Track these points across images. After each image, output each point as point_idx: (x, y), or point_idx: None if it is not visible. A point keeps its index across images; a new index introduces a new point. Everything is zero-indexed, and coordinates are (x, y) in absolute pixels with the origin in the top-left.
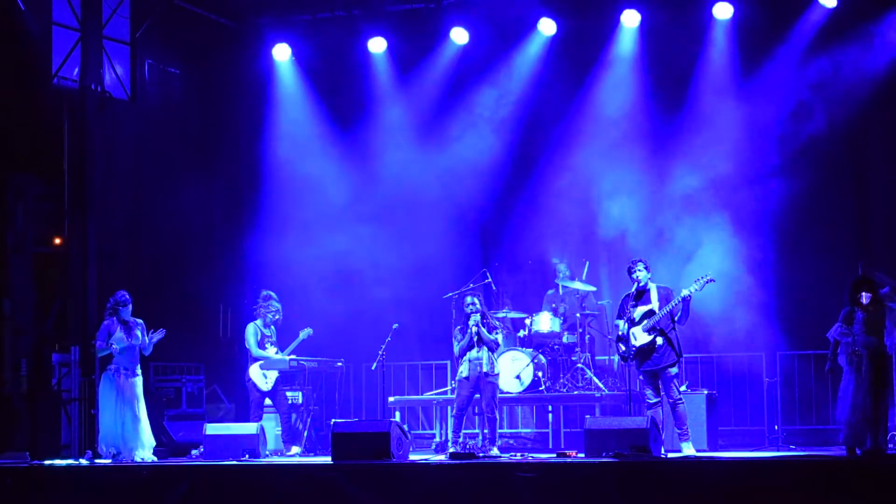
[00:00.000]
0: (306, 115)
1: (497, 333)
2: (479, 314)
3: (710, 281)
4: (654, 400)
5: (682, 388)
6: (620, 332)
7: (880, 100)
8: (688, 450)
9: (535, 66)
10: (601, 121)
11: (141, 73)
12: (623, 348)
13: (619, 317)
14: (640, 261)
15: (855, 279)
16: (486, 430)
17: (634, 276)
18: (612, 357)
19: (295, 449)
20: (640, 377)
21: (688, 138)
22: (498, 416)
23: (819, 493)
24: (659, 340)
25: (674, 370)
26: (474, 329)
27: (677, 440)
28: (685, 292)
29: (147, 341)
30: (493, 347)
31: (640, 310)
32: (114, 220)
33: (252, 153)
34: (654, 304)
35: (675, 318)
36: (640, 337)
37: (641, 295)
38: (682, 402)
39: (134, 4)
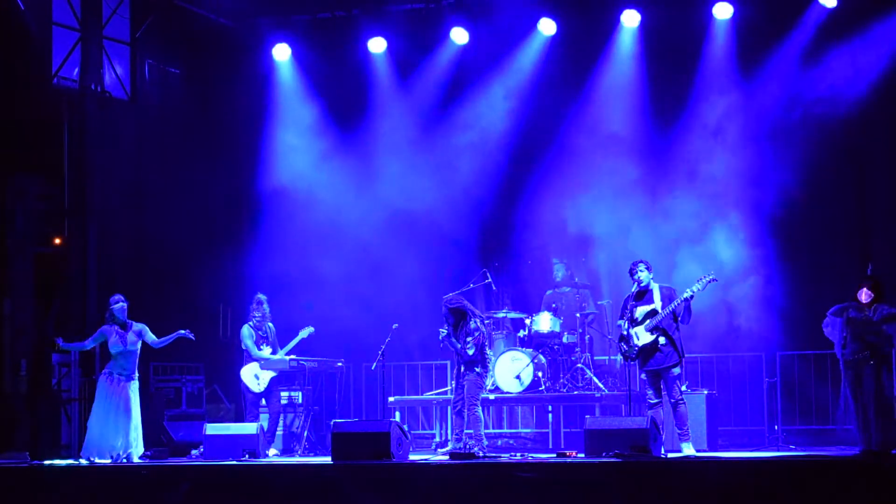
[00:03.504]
0: (306, 116)
1: (470, 346)
2: (445, 328)
3: (713, 280)
4: (655, 400)
5: (683, 388)
6: (623, 332)
7: (881, 100)
8: (688, 450)
9: (535, 67)
10: (601, 120)
11: (141, 73)
12: (626, 347)
13: (622, 317)
14: (642, 262)
15: (862, 277)
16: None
17: (636, 276)
18: (612, 357)
19: (272, 451)
20: (643, 376)
21: (688, 138)
22: (477, 415)
23: (818, 493)
24: (661, 340)
25: (676, 370)
26: (442, 345)
27: (677, 440)
28: (688, 292)
29: (156, 339)
30: (464, 358)
31: (643, 309)
32: (114, 220)
33: (252, 153)
34: (657, 304)
35: (678, 318)
36: (642, 336)
37: (643, 295)
38: (684, 403)
39: (134, 4)
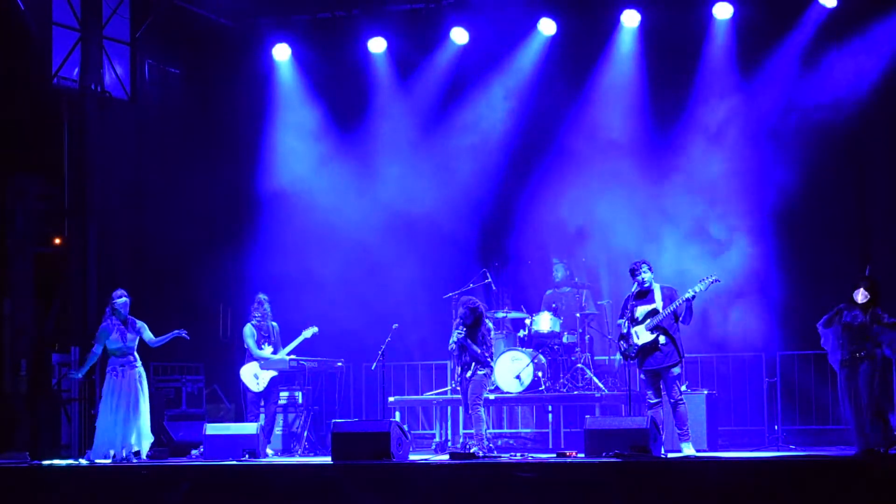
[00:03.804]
0: (306, 116)
1: (487, 347)
2: (461, 329)
3: (716, 282)
4: (655, 400)
5: (682, 388)
6: (622, 331)
7: (881, 100)
8: (688, 450)
9: (535, 67)
10: (601, 120)
11: (141, 73)
12: (625, 346)
13: (622, 316)
14: (644, 262)
15: (860, 278)
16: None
17: (639, 277)
18: (612, 357)
19: (269, 451)
20: (642, 376)
21: (687, 139)
22: (479, 415)
23: (819, 493)
24: (662, 339)
25: (676, 370)
26: (451, 347)
27: (677, 440)
28: (689, 292)
29: (153, 338)
30: (479, 360)
31: (643, 309)
32: (114, 220)
33: (252, 153)
34: (658, 304)
35: (679, 319)
36: (642, 335)
37: (645, 294)
38: (684, 403)
39: (134, 4)
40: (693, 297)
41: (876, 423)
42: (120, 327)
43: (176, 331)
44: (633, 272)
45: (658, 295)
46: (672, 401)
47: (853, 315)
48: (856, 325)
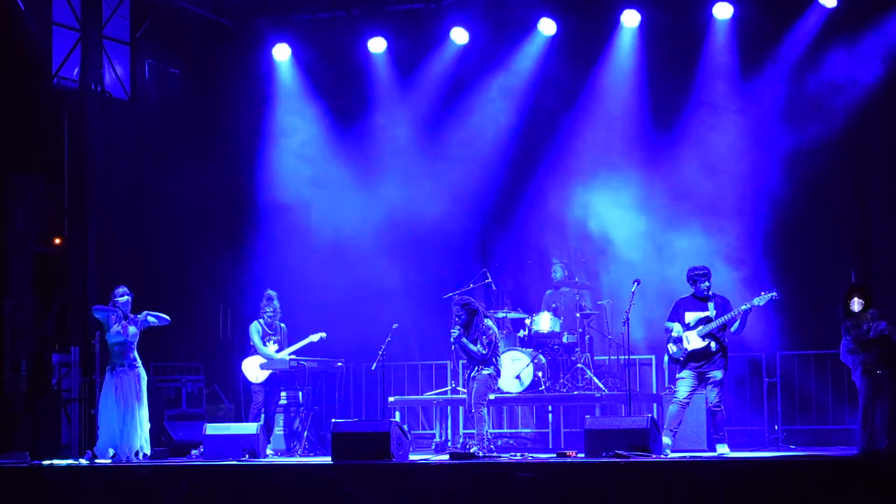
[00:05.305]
0: (306, 115)
1: (479, 345)
2: (457, 328)
3: (776, 297)
4: (686, 400)
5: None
6: (675, 334)
7: (880, 101)
8: (722, 449)
9: (535, 67)
10: (601, 121)
11: (141, 73)
12: (675, 349)
13: (672, 319)
14: (707, 269)
15: (848, 288)
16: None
17: (703, 284)
18: (612, 357)
19: (270, 451)
20: (682, 375)
21: (687, 139)
22: (481, 415)
23: (819, 493)
24: (713, 346)
25: (719, 375)
26: (453, 347)
27: (713, 442)
28: (746, 305)
29: (154, 321)
30: (477, 359)
31: (695, 315)
32: (114, 220)
33: (252, 153)
34: (712, 312)
35: (732, 329)
36: (693, 341)
37: (700, 301)
38: (721, 409)
39: (134, 4)
40: (750, 309)
41: (892, 432)
42: (121, 321)
43: (151, 313)
44: (698, 278)
45: (711, 303)
46: (712, 406)
47: (863, 329)
48: (866, 334)
